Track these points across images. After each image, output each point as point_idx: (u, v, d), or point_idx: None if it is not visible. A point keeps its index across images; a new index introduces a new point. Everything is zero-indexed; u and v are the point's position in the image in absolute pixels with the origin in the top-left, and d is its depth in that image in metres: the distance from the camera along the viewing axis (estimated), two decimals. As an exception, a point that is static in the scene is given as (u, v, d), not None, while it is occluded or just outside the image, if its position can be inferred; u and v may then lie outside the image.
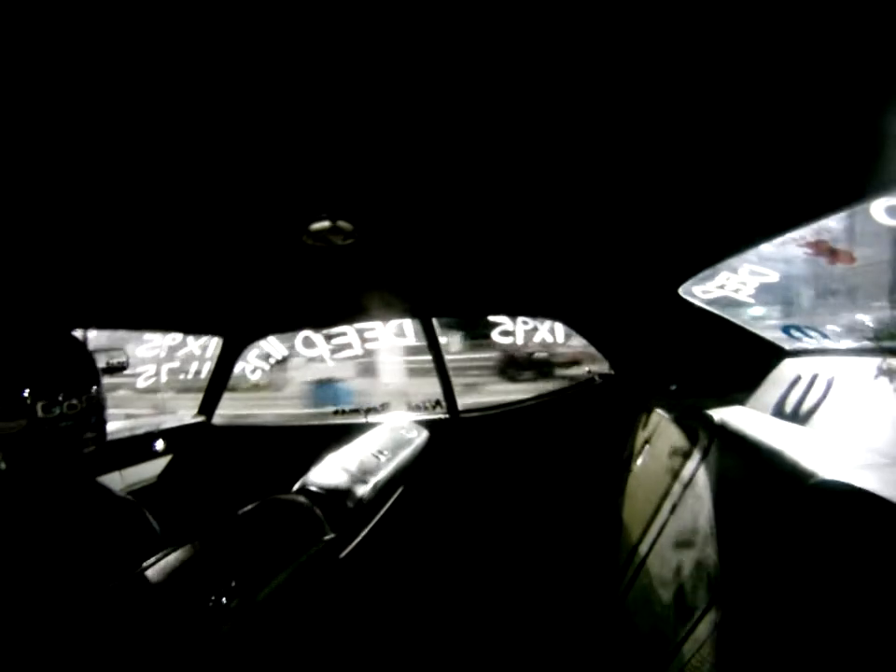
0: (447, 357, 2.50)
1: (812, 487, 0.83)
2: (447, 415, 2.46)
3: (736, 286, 1.83)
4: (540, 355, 6.81)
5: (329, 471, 1.23)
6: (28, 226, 1.13)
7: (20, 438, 0.79)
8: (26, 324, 0.96)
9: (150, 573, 0.71)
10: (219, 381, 2.67)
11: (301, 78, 0.67)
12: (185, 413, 2.72)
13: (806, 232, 1.38)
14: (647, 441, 1.88)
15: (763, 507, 0.98)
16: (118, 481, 2.05)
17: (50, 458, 0.82)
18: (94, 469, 0.91)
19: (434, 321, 2.45)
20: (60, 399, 0.80)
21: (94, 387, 0.86)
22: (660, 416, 1.86)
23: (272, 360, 2.88)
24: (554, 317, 2.52)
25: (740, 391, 1.73)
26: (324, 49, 0.61)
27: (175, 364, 3.01)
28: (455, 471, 2.37)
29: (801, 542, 0.82)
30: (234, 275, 1.76)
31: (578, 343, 2.63)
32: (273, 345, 2.76)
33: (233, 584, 0.72)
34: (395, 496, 1.45)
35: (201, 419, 2.65)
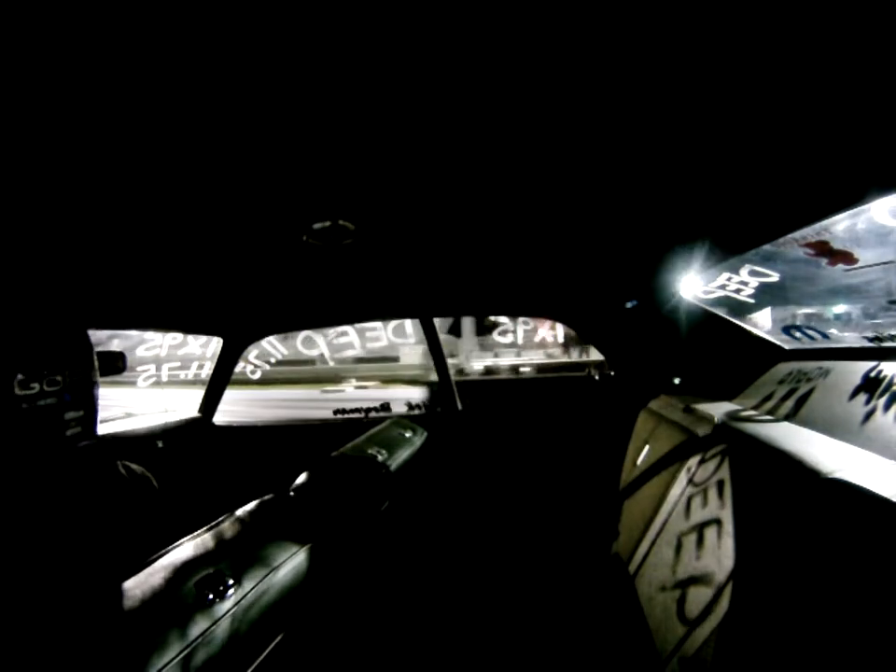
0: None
1: (811, 486, 0.83)
2: (447, 414, 2.46)
3: (737, 286, 1.83)
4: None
5: (329, 470, 1.24)
6: (32, 226, 1.14)
7: None
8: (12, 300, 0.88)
9: (150, 570, 0.71)
10: (219, 380, 2.68)
11: (303, 79, 0.67)
12: (185, 412, 2.73)
13: (808, 232, 1.38)
14: (648, 440, 1.88)
15: (761, 504, 0.98)
16: None
17: (28, 440, 0.75)
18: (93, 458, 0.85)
19: (435, 321, 2.46)
20: (44, 373, 0.73)
21: (80, 367, 0.80)
22: (661, 415, 1.86)
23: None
24: (555, 317, 2.52)
25: (740, 391, 1.73)
26: (326, 52, 0.61)
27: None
28: (455, 470, 2.37)
29: (801, 536, 0.82)
30: (235, 275, 1.76)
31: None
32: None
33: (231, 582, 0.72)
34: (394, 494, 1.45)
35: (200, 418, 2.66)
